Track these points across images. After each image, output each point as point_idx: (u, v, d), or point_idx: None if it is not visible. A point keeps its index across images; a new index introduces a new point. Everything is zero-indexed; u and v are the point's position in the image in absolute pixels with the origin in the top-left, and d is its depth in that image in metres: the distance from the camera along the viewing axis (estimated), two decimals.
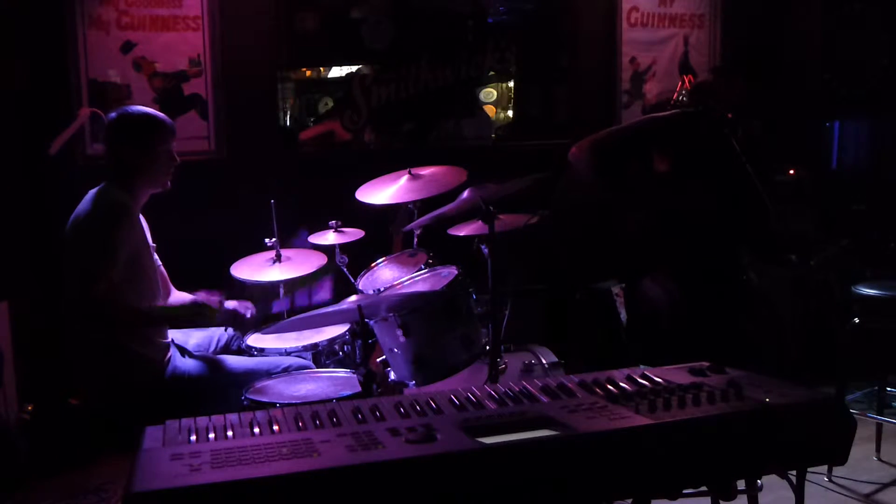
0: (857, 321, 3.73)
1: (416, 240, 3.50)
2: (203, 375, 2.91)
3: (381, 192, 3.47)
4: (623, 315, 3.19)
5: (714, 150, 3.09)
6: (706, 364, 2.18)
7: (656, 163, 3.18)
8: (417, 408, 1.91)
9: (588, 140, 3.22)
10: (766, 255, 3.39)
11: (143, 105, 3.12)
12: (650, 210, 3.10)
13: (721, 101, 3.12)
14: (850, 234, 3.22)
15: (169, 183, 3.00)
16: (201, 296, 2.98)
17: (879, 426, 3.92)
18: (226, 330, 3.26)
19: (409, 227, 3.33)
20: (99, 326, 2.77)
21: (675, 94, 5.08)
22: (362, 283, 3.32)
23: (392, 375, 3.03)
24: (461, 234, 3.52)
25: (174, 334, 3.03)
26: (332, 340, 3.17)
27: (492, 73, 5.24)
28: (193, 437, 1.74)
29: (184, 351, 3.03)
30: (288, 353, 3.14)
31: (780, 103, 5.31)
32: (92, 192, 2.92)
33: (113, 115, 2.99)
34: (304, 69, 5.08)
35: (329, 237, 3.53)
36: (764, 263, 3.29)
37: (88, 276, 2.69)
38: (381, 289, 3.19)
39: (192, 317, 2.96)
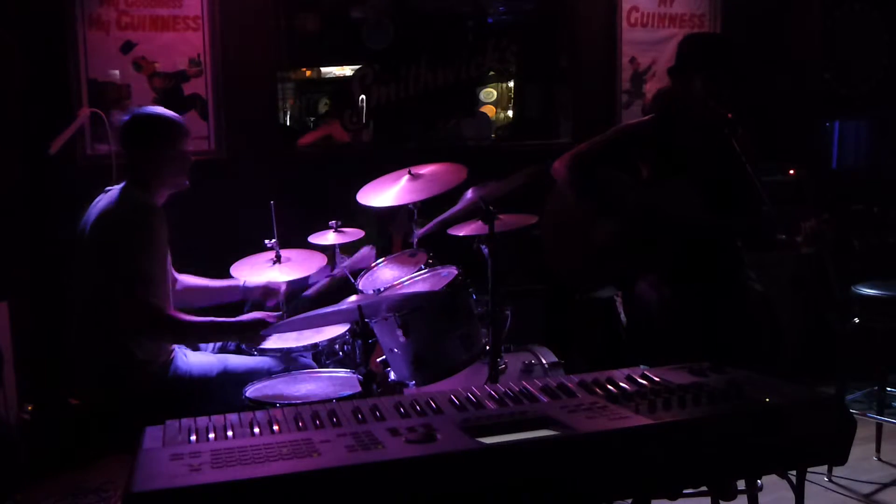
0: (857, 321, 3.73)
1: (415, 240, 3.50)
2: (203, 375, 2.91)
3: (382, 194, 3.46)
4: (623, 315, 3.18)
5: (704, 150, 3.09)
6: (706, 364, 2.18)
7: (638, 169, 3.20)
8: (417, 408, 1.91)
9: (568, 154, 3.24)
10: (757, 243, 3.39)
11: (142, 105, 3.10)
12: (634, 215, 3.11)
13: (683, 101, 3.11)
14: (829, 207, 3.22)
15: (187, 182, 2.98)
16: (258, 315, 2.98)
17: (879, 426, 3.92)
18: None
19: (417, 235, 3.35)
20: (156, 333, 2.78)
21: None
22: (362, 283, 3.32)
23: (392, 375, 3.03)
24: (461, 234, 3.52)
25: None
26: (332, 340, 3.16)
27: (492, 73, 5.24)
28: (193, 437, 1.74)
29: (184, 350, 3.03)
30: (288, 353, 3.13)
31: (780, 103, 5.31)
32: (114, 190, 2.88)
33: (126, 117, 2.95)
34: (304, 69, 5.09)
35: (329, 237, 3.53)
36: (754, 249, 3.27)
37: (138, 278, 2.67)
38: (381, 289, 3.19)
39: (243, 331, 2.94)
